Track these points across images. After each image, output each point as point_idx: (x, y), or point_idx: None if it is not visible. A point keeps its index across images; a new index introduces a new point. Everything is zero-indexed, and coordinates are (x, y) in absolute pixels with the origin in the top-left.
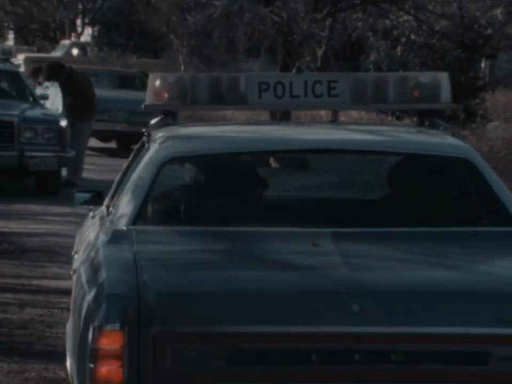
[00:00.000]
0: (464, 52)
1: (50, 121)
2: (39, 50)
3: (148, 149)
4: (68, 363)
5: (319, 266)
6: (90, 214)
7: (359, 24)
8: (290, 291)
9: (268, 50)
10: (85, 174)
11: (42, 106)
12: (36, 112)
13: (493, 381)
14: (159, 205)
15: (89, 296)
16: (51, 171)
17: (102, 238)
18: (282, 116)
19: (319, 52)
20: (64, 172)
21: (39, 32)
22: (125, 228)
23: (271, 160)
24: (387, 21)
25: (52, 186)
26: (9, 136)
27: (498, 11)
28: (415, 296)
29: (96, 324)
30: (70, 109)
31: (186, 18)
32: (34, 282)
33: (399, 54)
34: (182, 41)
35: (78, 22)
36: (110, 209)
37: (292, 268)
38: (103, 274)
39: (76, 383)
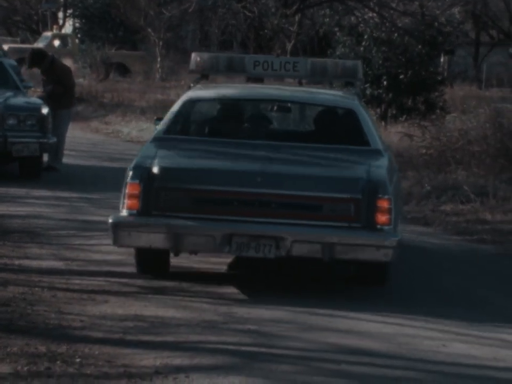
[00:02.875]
0: (425, 48)
1: (33, 108)
2: (22, 42)
3: (183, 95)
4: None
5: (251, 160)
6: None
7: (326, 20)
8: (229, 170)
9: (240, 43)
10: (65, 159)
11: (25, 94)
12: (18, 100)
13: (324, 219)
14: (179, 125)
15: (128, 168)
16: (33, 156)
17: (149, 140)
18: (255, 81)
19: (289, 46)
20: (45, 157)
21: (22, 24)
22: (160, 136)
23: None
24: (353, 18)
25: (34, 170)
26: None
27: (456, 10)
28: (286, 176)
29: (127, 180)
30: (51, 97)
31: (162, 13)
32: (16, 262)
33: (362, 49)
34: (158, 34)
35: (60, 14)
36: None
37: (236, 160)
38: (136, 158)
39: (111, 215)
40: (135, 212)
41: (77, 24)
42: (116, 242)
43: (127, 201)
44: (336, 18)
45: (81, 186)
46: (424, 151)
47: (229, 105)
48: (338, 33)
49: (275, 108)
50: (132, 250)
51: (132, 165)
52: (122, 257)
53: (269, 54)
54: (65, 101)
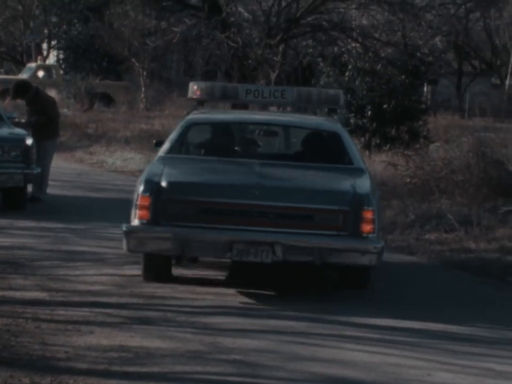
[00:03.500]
0: (408, 78)
1: (17, 139)
2: (6, 73)
3: (183, 120)
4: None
5: (248, 175)
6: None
7: (310, 50)
8: (230, 184)
9: (224, 73)
10: (49, 190)
11: (9, 125)
12: (3, 131)
13: (315, 228)
14: (182, 145)
15: (139, 182)
16: (17, 187)
17: (155, 159)
18: (241, 107)
19: (273, 76)
20: (30, 187)
21: (6, 55)
22: (162, 155)
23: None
24: (336, 48)
25: (18, 201)
26: None
27: (438, 40)
28: (281, 189)
29: (138, 193)
30: (35, 128)
31: (146, 43)
32: (0, 293)
33: (346, 79)
34: (142, 64)
35: (44, 45)
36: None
37: (235, 175)
38: (146, 173)
39: (125, 224)
40: (145, 221)
41: (61, 55)
42: (129, 248)
43: (138, 212)
44: (319, 48)
45: (66, 216)
46: (408, 180)
47: (225, 128)
48: (321, 64)
49: (262, 131)
50: (116, 280)
51: (143, 179)
52: (107, 287)
53: (253, 84)
54: (50, 132)
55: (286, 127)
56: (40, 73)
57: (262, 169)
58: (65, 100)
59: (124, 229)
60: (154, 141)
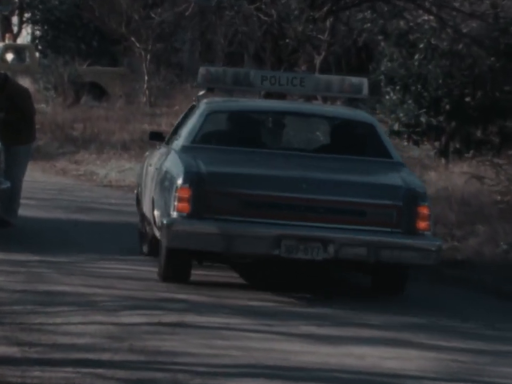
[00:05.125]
0: (499, 61)
1: None
2: None
3: (198, 107)
4: (156, 212)
5: (291, 167)
6: (146, 153)
7: (367, 25)
8: (276, 175)
9: (254, 56)
10: (21, 211)
11: None
12: None
13: (367, 224)
14: (205, 135)
15: (174, 173)
16: None
17: (175, 149)
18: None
19: (318, 60)
20: None
21: None
22: (188, 144)
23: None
24: (402, 22)
25: None
26: None
27: None
28: (330, 182)
29: (178, 184)
30: (3, 128)
31: (151, 17)
32: None
33: (416, 63)
34: (145, 44)
35: (14, 19)
36: (174, 140)
37: (277, 167)
38: (180, 164)
39: (163, 217)
40: (185, 214)
41: (37, 32)
42: (170, 243)
43: (177, 204)
44: (381, 22)
45: (43, 246)
46: (498, 197)
47: (250, 117)
48: (383, 43)
49: (289, 121)
50: (109, 330)
51: (181, 169)
52: (97, 340)
53: (291, 70)
54: (22, 134)
55: (317, 116)
56: (9, 56)
57: (302, 161)
58: (42, 92)
59: (165, 221)
60: (149, 132)
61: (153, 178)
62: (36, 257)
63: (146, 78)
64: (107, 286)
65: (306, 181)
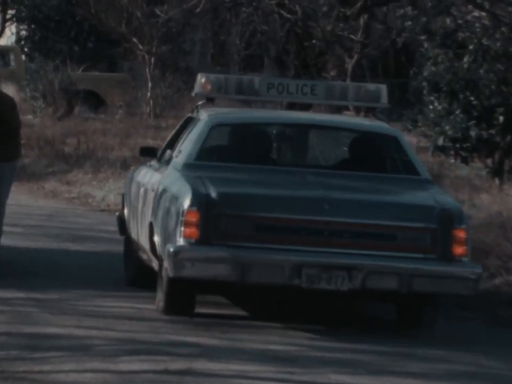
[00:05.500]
0: None
1: None
2: None
3: (200, 119)
4: (157, 238)
5: (311, 187)
6: (132, 169)
7: (408, 23)
8: (294, 196)
9: (275, 60)
10: (4, 240)
11: None
12: None
13: (397, 250)
14: (209, 151)
15: (178, 195)
16: None
17: (175, 167)
18: (302, 108)
19: (350, 63)
20: None
21: None
22: (191, 162)
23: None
24: (448, 20)
25: None
26: None
27: None
28: (356, 203)
29: (184, 207)
30: None
31: (155, 14)
32: None
33: (465, 66)
34: (149, 46)
35: None
36: (172, 156)
37: (295, 186)
38: (185, 184)
39: (167, 243)
40: (193, 240)
41: (23, 32)
42: (177, 272)
43: (184, 229)
44: (424, 20)
45: (30, 281)
46: None
47: (260, 131)
48: (426, 44)
49: (302, 134)
50: (107, 379)
51: (187, 191)
52: None
53: (318, 76)
54: (6, 150)
55: (335, 129)
56: None
57: (321, 179)
58: (29, 101)
59: (171, 249)
60: (140, 148)
61: (148, 201)
62: (22, 294)
63: (150, 85)
64: (104, 327)
65: (329, 201)
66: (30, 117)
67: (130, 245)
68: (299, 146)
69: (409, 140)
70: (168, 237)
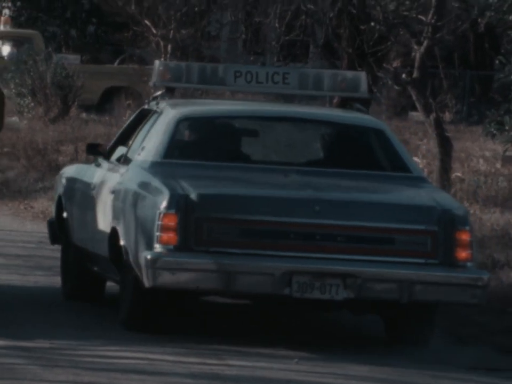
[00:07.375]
0: None
1: None
2: None
3: (162, 113)
4: (124, 244)
5: (298, 186)
6: (66, 169)
7: (493, 0)
8: (281, 197)
9: (323, 48)
10: None
11: None
12: None
13: (396, 254)
14: (177, 148)
15: (151, 197)
16: None
17: (141, 166)
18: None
19: (417, 51)
20: None
21: None
22: (159, 160)
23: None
24: None
25: None
26: None
27: None
28: (350, 204)
29: (161, 210)
30: None
31: None
32: None
33: None
34: (165, 30)
35: None
36: (134, 154)
37: (280, 186)
38: (160, 184)
39: (141, 250)
40: (171, 247)
41: (6, 11)
42: (154, 282)
43: (161, 235)
44: None
45: (15, 325)
46: None
47: (235, 125)
48: None
49: (278, 128)
50: None
51: (162, 192)
52: None
53: (378, 66)
54: None
55: (316, 122)
56: (5, 49)
57: (308, 179)
58: (14, 99)
59: (148, 256)
60: (87, 144)
61: (106, 203)
62: (5, 342)
63: None
64: (107, 383)
65: (319, 202)
66: (15, 118)
67: (70, 254)
68: (278, 141)
69: (494, 148)
70: (141, 243)
